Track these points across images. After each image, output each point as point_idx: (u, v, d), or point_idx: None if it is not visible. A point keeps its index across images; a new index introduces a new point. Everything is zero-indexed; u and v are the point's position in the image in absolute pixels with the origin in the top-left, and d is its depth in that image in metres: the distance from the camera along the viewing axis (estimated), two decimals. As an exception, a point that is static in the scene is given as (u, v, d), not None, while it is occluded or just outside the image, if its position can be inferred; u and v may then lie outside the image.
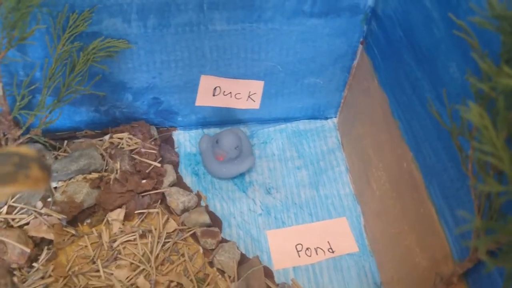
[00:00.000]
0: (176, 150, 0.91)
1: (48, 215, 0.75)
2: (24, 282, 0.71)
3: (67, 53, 0.69)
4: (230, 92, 0.86)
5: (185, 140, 0.92)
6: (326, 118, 0.96)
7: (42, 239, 0.75)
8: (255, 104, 0.89)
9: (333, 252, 0.80)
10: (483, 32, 0.46)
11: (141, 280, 0.74)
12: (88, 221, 0.80)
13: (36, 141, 0.82)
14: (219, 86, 0.84)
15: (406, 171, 0.69)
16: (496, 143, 0.34)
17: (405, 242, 0.70)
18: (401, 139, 0.70)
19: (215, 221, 0.83)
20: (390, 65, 0.72)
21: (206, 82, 0.83)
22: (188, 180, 0.87)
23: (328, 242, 0.81)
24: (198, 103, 0.87)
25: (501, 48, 0.42)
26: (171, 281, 0.74)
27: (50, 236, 0.75)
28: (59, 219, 0.76)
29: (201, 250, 0.79)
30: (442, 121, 0.54)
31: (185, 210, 0.82)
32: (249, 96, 0.87)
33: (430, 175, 0.63)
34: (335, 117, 0.96)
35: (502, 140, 0.35)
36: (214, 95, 0.86)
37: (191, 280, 0.75)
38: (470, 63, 0.52)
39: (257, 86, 0.85)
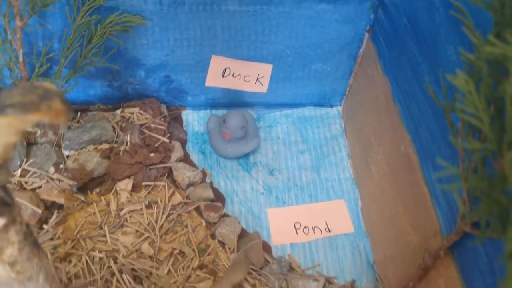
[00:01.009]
0: (185, 128, 0.94)
1: (60, 180, 0.79)
2: (33, 242, 0.74)
3: (85, 25, 0.73)
4: (239, 74, 0.89)
5: (193, 119, 0.95)
6: (331, 106, 0.99)
7: (53, 203, 0.78)
8: (263, 88, 0.92)
9: (329, 231, 0.83)
10: (478, 13, 0.49)
11: (145, 246, 0.77)
12: (97, 189, 0.83)
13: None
14: (229, 68, 0.88)
15: (403, 154, 0.71)
16: (478, 106, 0.37)
17: (399, 222, 0.73)
18: (400, 123, 0.72)
19: (219, 197, 0.86)
20: (394, 52, 0.75)
21: (217, 63, 0.86)
22: (194, 157, 0.90)
23: (325, 222, 0.84)
24: (208, 83, 0.90)
25: (493, 27, 0.45)
26: (174, 249, 0.78)
27: (61, 200, 0.78)
28: (70, 185, 0.79)
29: (204, 223, 0.82)
30: (437, 100, 0.57)
31: (190, 184, 0.85)
32: (257, 79, 0.90)
33: (426, 157, 0.65)
34: (340, 105, 0.99)
35: (484, 104, 0.37)
36: (223, 76, 0.89)
37: (193, 250, 0.79)
38: (466, 45, 0.55)
39: (265, 69, 0.89)
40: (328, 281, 0.78)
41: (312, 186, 0.88)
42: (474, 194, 0.43)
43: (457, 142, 0.42)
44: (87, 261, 0.75)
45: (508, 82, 0.35)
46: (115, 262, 0.75)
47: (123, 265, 0.75)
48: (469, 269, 0.56)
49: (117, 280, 0.73)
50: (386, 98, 0.77)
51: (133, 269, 0.75)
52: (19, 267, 0.49)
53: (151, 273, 0.75)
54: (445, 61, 0.60)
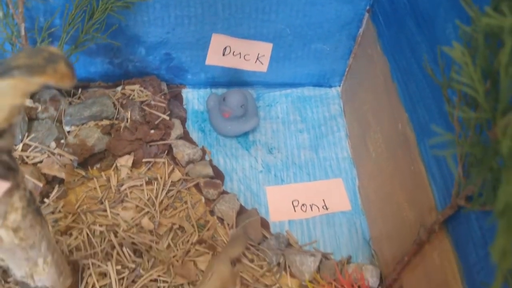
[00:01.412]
0: (184, 107, 0.95)
1: (61, 155, 0.80)
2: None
3: (87, 0, 0.73)
4: (240, 53, 0.89)
5: (193, 98, 0.96)
6: (331, 86, 1.00)
7: (54, 177, 0.79)
8: (263, 67, 0.92)
9: (327, 209, 0.84)
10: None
11: (145, 221, 0.79)
12: (98, 165, 0.84)
13: (51, 87, 0.86)
14: (229, 46, 0.88)
15: (401, 132, 0.72)
16: (474, 77, 0.38)
17: (395, 199, 0.74)
18: (398, 101, 0.73)
19: (218, 175, 0.87)
20: (393, 31, 0.76)
21: (217, 41, 0.87)
22: (194, 135, 0.91)
23: (323, 200, 0.85)
24: (208, 61, 0.90)
25: (491, 2, 0.45)
26: (174, 224, 0.79)
27: (62, 175, 0.79)
28: (71, 160, 0.80)
29: (203, 200, 0.83)
30: (435, 77, 0.57)
31: (190, 162, 0.86)
32: (257, 58, 0.91)
33: (423, 135, 0.66)
34: (339, 86, 1.00)
35: (479, 75, 0.38)
36: (224, 55, 0.90)
37: (192, 225, 0.80)
38: (464, 23, 0.56)
39: (266, 48, 0.89)
40: (325, 256, 0.79)
41: (310, 165, 0.89)
42: (468, 161, 0.44)
43: (452, 112, 0.43)
44: (87, 234, 0.76)
45: (503, 53, 0.36)
46: (116, 236, 0.76)
47: (123, 238, 0.76)
48: (462, 243, 0.57)
49: (118, 253, 0.74)
50: (385, 77, 0.78)
51: (133, 243, 0.76)
52: (22, 234, 0.50)
53: (151, 247, 0.76)
54: (443, 39, 0.60)
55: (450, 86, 0.54)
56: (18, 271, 0.57)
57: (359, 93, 0.90)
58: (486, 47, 0.39)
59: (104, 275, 0.72)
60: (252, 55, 0.90)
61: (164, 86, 0.92)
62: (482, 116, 0.37)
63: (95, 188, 0.82)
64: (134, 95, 0.89)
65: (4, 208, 0.45)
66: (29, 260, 0.55)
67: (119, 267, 0.72)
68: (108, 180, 0.83)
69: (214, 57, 0.90)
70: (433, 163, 0.63)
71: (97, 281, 0.71)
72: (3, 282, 0.70)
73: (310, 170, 0.89)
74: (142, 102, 0.88)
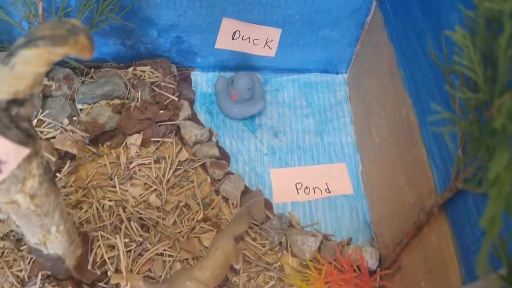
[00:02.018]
0: (193, 89, 0.97)
1: (73, 132, 0.82)
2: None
3: (102, -19, 0.75)
4: (249, 37, 0.91)
5: (202, 80, 0.98)
6: (337, 73, 1.02)
7: (66, 153, 0.82)
8: (271, 52, 0.94)
9: (329, 192, 0.86)
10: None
11: (152, 197, 0.81)
12: (108, 143, 0.87)
13: (65, 66, 0.89)
14: (239, 30, 0.90)
15: (404, 117, 0.74)
16: (473, 59, 0.40)
17: (396, 183, 0.76)
18: (403, 88, 0.75)
19: (224, 156, 0.89)
20: (400, 19, 0.77)
21: (227, 25, 0.89)
22: (202, 117, 0.93)
23: (326, 183, 0.87)
24: (218, 45, 0.92)
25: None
26: (180, 202, 0.81)
27: (74, 151, 0.82)
28: (82, 136, 0.83)
29: (209, 180, 0.86)
30: (439, 62, 0.59)
31: (197, 142, 0.88)
32: (266, 43, 0.92)
33: (425, 119, 0.68)
34: (346, 73, 1.02)
35: (479, 57, 0.40)
36: (233, 39, 0.91)
37: (197, 203, 0.82)
38: (468, 10, 0.57)
39: (274, 34, 0.91)
40: (326, 238, 0.82)
41: (314, 149, 0.91)
42: (465, 139, 0.46)
43: (454, 95, 0.45)
44: (97, 208, 0.78)
45: (503, 37, 0.38)
46: (124, 211, 0.79)
47: (132, 213, 0.79)
48: (460, 224, 0.59)
49: (126, 227, 0.77)
50: (391, 64, 0.79)
51: (140, 218, 0.79)
52: (38, 201, 0.52)
53: (157, 222, 0.79)
54: (448, 26, 0.62)
55: (453, 71, 0.56)
56: (32, 238, 0.60)
57: (364, 80, 0.92)
58: (486, 31, 0.41)
59: (112, 247, 0.75)
60: (261, 40, 0.92)
61: (174, 68, 0.94)
62: (481, 97, 0.39)
63: (105, 165, 0.84)
64: (144, 76, 0.91)
65: (23, 174, 0.47)
66: (43, 227, 0.57)
67: (127, 240, 0.75)
68: (118, 157, 0.85)
69: (224, 41, 0.92)
70: (434, 147, 0.65)
71: (106, 252, 0.73)
72: (16, 250, 0.73)
73: (314, 154, 0.91)
74: (152, 83, 0.90)
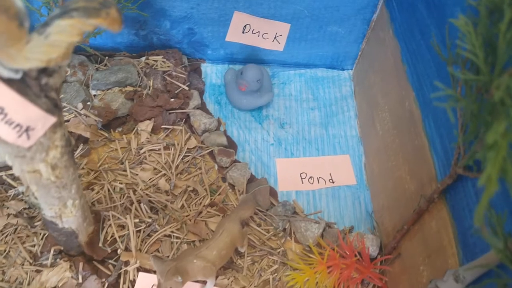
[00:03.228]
0: (203, 80, 1.00)
1: (87, 116, 0.85)
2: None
3: (121, -30, 0.78)
4: (259, 31, 0.94)
5: (211, 72, 1.01)
6: (343, 69, 1.04)
7: (79, 136, 0.84)
8: (279, 46, 0.97)
9: (333, 182, 0.89)
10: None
11: (162, 181, 0.84)
12: (120, 129, 0.90)
13: (80, 53, 0.92)
14: (249, 24, 0.93)
15: (407, 109, 0.77)
16: (475, 44, 0.43)
17: (398, 173, 0.79)
18: (406, 82, 0.78)
19: (231, 144, 0.92)
20: (405, 16, 0.80)
21: (238, 19, 0.92)
22: (210, 107, 0.96)
23: (330, 174, 0.90)
24: (228, 38, 0.95)
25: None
26: (188, 187, 0.84)
27: (87, 134, 0.84)
28: (95, 121, 0.86)
29: (216, 167, 0.88)
30: (441, 54, 0.62)
31: (206, 131, 0.91)
32: (275, 38, 0.95)
33: (427, 111, 0.71)
34: (351, 69, 1.05)
35: (480, 42, 0.43)
36: (243, 32, 0.94)
37: (205, 189, 0.85)
38: (472, 8, 0.60)
39: (283, 28, 0.94)
40: (328, 225, 0.84)
41: (319, 141, 0.94)
42: (466, 119, 0.49)
43: (455, 73, 0.47)
44: (108, 190, 0.81)
45: (503, 22, 0.41)
46: (134, 193, 0.81)
47: (141, 196, 0.81)
48: (459, 210, 0.62)
49: (136, 209, 0.80)
50: (395, 59, 0.82)
51: (150, 201, 0.81)
52: (58, 172, 0.55)
53: (166, 205, 0.82)
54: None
55: (455, 62, 0.59)
56: (49, 211, 0.62)
57: (369, 75, 0.94)
58: (488, 18, 0.43)
59: (122, 227, 0.77)
60: (270, 34, 0.95)
61: (185, 59, 0.97)
62: (481, 79, 0.41)
63: (116, 149, 0.87)
64: (157, 65, 0.94)
65: (48, 143, 0.50)
66: (60, 199, 0.60)
67: (136, 220, 0.78)
68: (129, 143, 0.88)
69: (234, 34, 0.95)
70: (436, 137, 0.68)
71: (116, 231, 0.76)
72: (29, 227, 0.76)
73: (319, 146, 0.94)
74: (164, 72, 0.93)
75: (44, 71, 0.44)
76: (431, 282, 0.64)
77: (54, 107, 0.47)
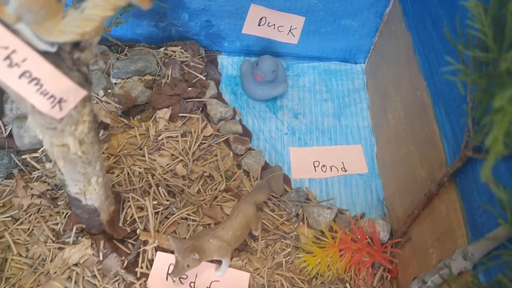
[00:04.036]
0: (219, 71, 1.02)
1: (107, 103, 0.88)
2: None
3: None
4: (274, 24, 0.97)
5: (227, 63, 1.04)
6: (356, 63, 1.07)
7: (100, 122, 0.88)
8: (294, 39, 0.99)
9: (345, 171, 0.91)
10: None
11: (179, 167, 0.87)
12: (139, 116, 0.93)
13: (101, 44, 0.95)
14: (265, 17, 0.96)
15: (419, 98, 0.79)
16: (484, 23, 0.45)
17: (409, 160, 0.81)
18: (418, 72, 0.80)
19: (246, 133, 0.95)
20: (417, 8, 0.82)
21: (255, 11, 0.95)
22: (226, 97, 0.99)
23: (342, 162, 0.92)
24: (245, 30, 0.98)
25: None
26: (204, 172, 0.87)
27: (107, 120, 0.88)
28: (116, 107, 0.89)
29: (231, 154, 0.91)
30: (452, 41, 0.64)
31: (222, 119, 0.94)
32: (290, 31, 0.98)
33: (438, 99, 0.73)
34: (364, 63, 1.07)
35: (489, 22, 0.45)
36: (259, 25, 0.97)
37: (220, 175, 0.88)
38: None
39: (298, 21, 0.96)
40: (340, 212, 0.86)
41: (332, 131, 0.97)
42: (475, 95, 0.51)
43: (464, 50, 0.50)
44: (128, 174, 0.84)
45: (511, 2, 0.43)
46: (152, 178, 0.84)
47: (159, 180, 0.84)
48: (468, 192, 0.64)
49: (154, 192, 0.82)
50: (407, 51, 0.85)
51: (167, 185, 0.84)
52: (85, 148, 0.58)
53: (183, 190, 0.84)
54: (463, 10, 0.67)
55: (465, 49, 0.61)
56: (74, 187, 0.65)
57: (381, 68, 0.97)
58: (497, 0, 0.46)
59: (141, 208, 0.80)
60: (285, 27, 0.98)
61: (202, 50, 1.00)
62: (490, 56, 0.44)
63: (135, 136, 0.90)
64: (175, 56, 0.97)
65: (77, 117, 0.53)
66: (85, 175, 0.63)
67: (155, 202, 0.81)
68: (147, 130, 0.91)
69: (250, 27, 0.97)
70: (446, 123, 0.70)
71: (136, 212, 0.79)
72: (52, 207, 0.79)
73: (332, 136, 0.96)
74: (182, 62, 0.96)
75: (77, 46, 0.47)
76: (440, 261, 0.66)
77: (85, 81, 0.50)
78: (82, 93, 0.49)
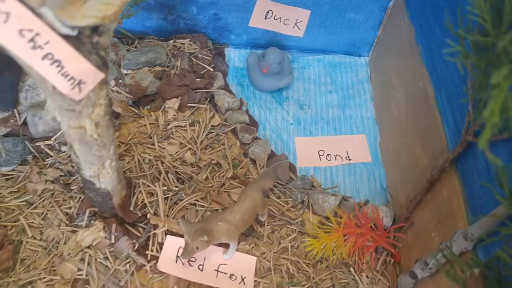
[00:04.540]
0: (226, 63, 1.05)
1: (118, 92, 0.91)
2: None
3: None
4: (280, 17, 0.99)
5: (234, 56, 1.06)
6: (360, 56, 1.09)
7: (112, 111, 0.90)
8: (299, 32, 1.02)
9: (349, 160, 0.94)
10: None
11: (187, 155, 0.89)
12: (148, 106, 0.95)
13: (112, 36, 0.97)
14: (271, 10, 0.98)
15: (421, 88, 0.82)
16: (483, 9, 0.47)
17: (411, 148, 0.83)
18: (420, 62, 0.82)
19: (253, 123, 0.97)
20: (420, 1, 0.85)
21: (261, 5, 0.97)
22: (233, 88, 1.01)
23: (346, 152, 0.95)
24: (251, 24, 1.00)
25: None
26: (212, 160, 0.89)
27: (118, 110, 0.90)
28: (126, 97, 0.91)
29: (238, 143, 0.94)
30: (453, 29, 0.66)
31: (229, 109, 0.96)
32: (295, 24, 1.00)
33: (440, 88, 0.75)
34: (368, 56, 1.09)
35: (488, 8, 0.48)
36: (266, 18, 0.99)
37: (228, 163, 0.90)
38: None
39: (304, 15, 0.99)
40: (345, 199, 0.89)
41: (337, 121, 0.99)
42: (474, 76, 0.53)
43: (464, 34, 0.52)
44: (138, 161, 0.87)
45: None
46: (162, 165, 0.87)
47: (169, 167, 0.87)
48: (468, 176, 0.66)
49: (164, 178, 0.85)
50: (410, 42, 0.87)
51: (176, 172, 0.87)
52: (100, 131, 0.61)
53: (191, 177, 0.87)
54: (463, 1, 0.69)
55: (466, 37, 0.63)
56: (88, 170, 0.68)
57: (385, 60, 0.99)
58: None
59: (151, 194, 0.83)
60: (291, 20, 1.00)
61: (210, 43, 1.03)
62: (488, 40, 0.46)
63: (145, 125, 0.93)
64: (184, 48, 0.99)
65: (94, 99, 0.55)
66: (100, 158, 0.65)
67: (164, 188, 0.83)
68: (157, 119, 0.94)
69: (257, 20, 1.00)
70: (448, 110, 0.72)
71: (146, 197, 0.81)
72: (65, 192, 0.82)
73: (337, 126, 0.98)
74: (190, 54, 0.99)
75: (96, 31, 0.50)
76: (441, 243, 0.68)
77: (103, 65, 0.52)
78: (100, 75, 0.52)
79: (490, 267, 0.54)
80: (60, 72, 0.49)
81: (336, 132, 0.98)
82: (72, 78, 0.50)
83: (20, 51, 0.46)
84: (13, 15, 0.43)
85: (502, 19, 0.48)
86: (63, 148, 0.83)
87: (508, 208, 0.50)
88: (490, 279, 0.53)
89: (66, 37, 0.47)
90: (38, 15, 0.45)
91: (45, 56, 0.47)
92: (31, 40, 0.46)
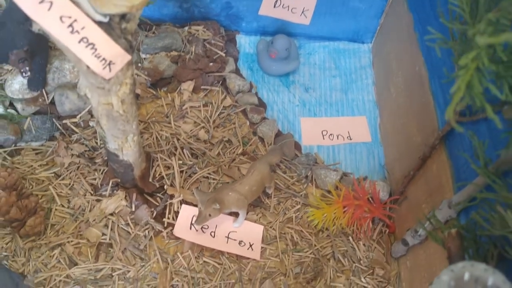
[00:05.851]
0: (237, 49, 1.12)
1: (138, 75, 0.99)
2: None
3: None
4: (288, 6, 1.06)
5: (245, 42, 1.13)
6: (363, 43, 1.16)
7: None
8: (306, 20, 1.08)
9: (350, 139, 1.01)
10: None
11: (201, 132, 0.97)
12: (165, 89, 1.03)
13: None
14: (280, -1, 1.05)
15: (417, 72, 0.88)
16: (463, 1, 0.54)
17: (408, 128, 0.90)
18: (417, 48, 0.89)
19: (261, 104, 1.04)
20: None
21: (271, -7, 1.04)
22: (244, 72, 1.09)
23: (348, 132, 1.02)
24: (261, 12, 1.07)
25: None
26: (224, 137, 0.97)
27: (138, 91, 0.98)
28: (145, 79, 0.99)
29: (248, 123, 1.01)
30: (445, 19, 0.73)
31: (239, 91, 1.04)
32: (302, 12, 1.07)
33: (434, 72, 0.82)
34: (370, 43, 1.16)
35: (469, 1, 0.54)
36: (275, 7, 1.06)
37: (238, 140, 0.98)
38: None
39: (310, 3, 1.05)
40: (345, 174, 0.96)
41: (340, 104, 1.06)
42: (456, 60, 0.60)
43: (446, 23, 0.59)
44: (156, 137, 0.94)
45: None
46: (178, 141, 0.95)
47: (184, 144, 0.94)
48: (455, 151, 0.73)
49: (179, 153, 0.93)
50: (408, 29, 0.93)
51: (191, 148, 0.94)
52: (125, 107, 0.68)
53: (205, 153, 0.95)
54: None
55: (455, 26, 0.70)
56: (113, 143, 0.76)
57: (386, 46, 1.06)
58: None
59: (168, 167, 0.91)
60: (299, 9, 1.06)
61: (222, 30, 1.10)
62: (466, 28, 0.53)
63: (162, 106, 1.00)
64: (198, 34, 1.07)
65: (121, 79, 0.63)
66: (124, 132, 0.73)
67: (180, 162, 0.91)
68: (173, 100, 1.01)
69: (267, 8, 1.06)
70: (440, 93, 0.79)
71: (163, 170, 0.89)
72: (90, 165, 0.90)
73: (339, 108, 1.06)
74: (204, 40, 1.06)
75: (124, 18, 0.57)
76: (430, 213, 0.75)
77: (130, 48, 0.60)
78: (127, 57, 0.60)
79: (467, 229, 0.61)
80: (93, 54, 0.56)
81: (338, 114, 1.05)
82: (103, 59, 0.57)
83: (60, 35, 0.53)
84: (55, 4, 0.51)
85: (477, 8, 0.55)
86: (91, 123, 0.91)
87: (482, 175, 0.57)
88: (468, 239, 0.60)
89: (99, 23, 0.55)
90: (76, 4, 0.52)
91: (81, 40, 0.55)
92: (70, 25, 0.53)
